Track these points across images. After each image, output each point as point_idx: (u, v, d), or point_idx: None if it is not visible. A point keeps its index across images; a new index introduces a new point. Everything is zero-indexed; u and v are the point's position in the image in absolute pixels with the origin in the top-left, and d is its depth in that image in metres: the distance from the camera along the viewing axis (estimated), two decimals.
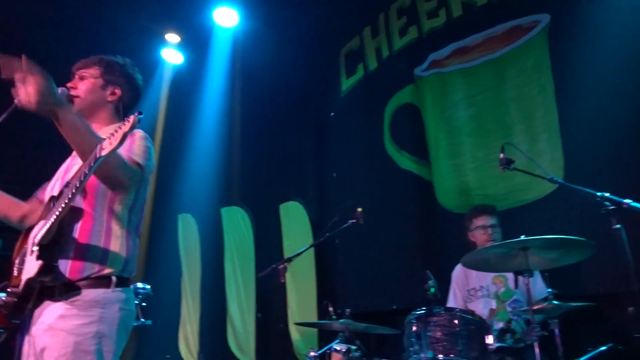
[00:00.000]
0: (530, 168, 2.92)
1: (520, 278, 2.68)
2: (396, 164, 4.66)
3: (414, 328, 2.59)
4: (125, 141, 1.65)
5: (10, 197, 2.11)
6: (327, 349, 3.31)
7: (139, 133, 2.00)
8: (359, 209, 3.42)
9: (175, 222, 6.57)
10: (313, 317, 4.91)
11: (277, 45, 5.71)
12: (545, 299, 2.68)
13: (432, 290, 2.62)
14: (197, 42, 5.99)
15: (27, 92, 1.66)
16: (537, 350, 2.43)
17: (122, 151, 1.85)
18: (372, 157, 4.91)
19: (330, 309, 3.63)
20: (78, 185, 1.64)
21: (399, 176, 4.61)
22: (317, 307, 4.97)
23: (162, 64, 6.24)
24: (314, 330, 4.85)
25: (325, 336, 4.46)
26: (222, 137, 6.18)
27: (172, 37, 6.03)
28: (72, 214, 1.80)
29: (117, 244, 1.89)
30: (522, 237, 2.51)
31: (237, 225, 6.03)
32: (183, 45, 6.10)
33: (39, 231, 1.80)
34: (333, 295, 4.79)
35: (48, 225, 1.72)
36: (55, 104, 1.68)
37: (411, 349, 2.57)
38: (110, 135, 1.55)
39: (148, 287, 4.59)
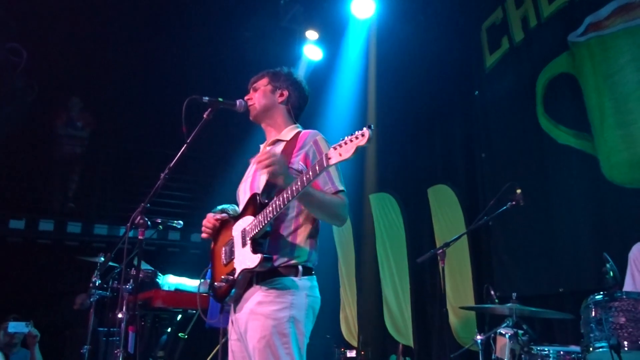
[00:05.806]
0: None
1: None
2: (554, 140, 4.37)
3: (593, 313, 2.44)
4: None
5: None
6: (492, 333, 3.26)
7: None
8: (519, 190, 3.29)
9: None
10: (469, 301, 4.85)
11: (415, 28, 5.68)
12: None
13: (611, 274, 2.45)
14: (335, 36, 6.18)
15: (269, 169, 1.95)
16: None
17: (323, 183, 2.07)
18: (525, 135, 4.67)
19: (492, 292, 3.56)
20: (300, 189, 1.85)
21: (557, 152, 4.33)
22: (473, 291, 4.90)
23: (302, 61, 6.54)
24: (472, 314, 4.79)
25: (484, 320, 4.38)
26: (363, 124, 6.28)
27: (312, 35, 6.31)
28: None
29: (302, 238, 2.13)
30: None
31: (387, 211, 6.13)
32: (322, 41, 6.33)
33: (247, 225, 2.06)
34: (491, 278, 4.67)
35: (264, 222, 1.96)
36: (286, 175, 1.95)
37: (591, 335, 2.44)
38: (337, 146, 1.72)
39: None
